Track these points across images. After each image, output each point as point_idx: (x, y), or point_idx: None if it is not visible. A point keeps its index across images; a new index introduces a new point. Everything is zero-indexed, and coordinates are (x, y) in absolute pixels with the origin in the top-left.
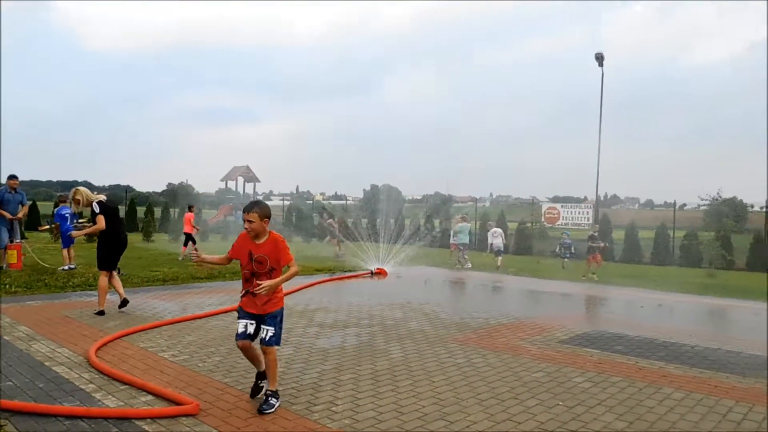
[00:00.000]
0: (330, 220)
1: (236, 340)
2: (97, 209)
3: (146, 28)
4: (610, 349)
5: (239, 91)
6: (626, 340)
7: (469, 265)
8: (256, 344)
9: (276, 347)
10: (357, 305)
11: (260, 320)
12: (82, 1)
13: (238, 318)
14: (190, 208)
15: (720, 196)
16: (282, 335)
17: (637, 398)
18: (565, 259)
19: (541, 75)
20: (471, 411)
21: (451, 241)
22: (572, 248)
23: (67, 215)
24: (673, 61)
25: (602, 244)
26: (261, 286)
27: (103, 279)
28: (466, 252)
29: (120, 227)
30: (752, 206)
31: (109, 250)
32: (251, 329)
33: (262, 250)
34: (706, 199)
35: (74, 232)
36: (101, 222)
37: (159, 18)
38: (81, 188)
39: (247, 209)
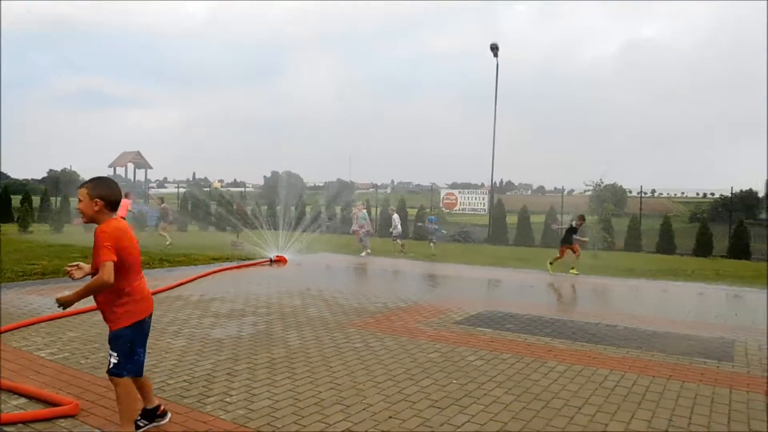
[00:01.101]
0: (164, 205)
1: None
2: None
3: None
4: (501, 328)
5: (130, 74)
6: (516, 319)
7: (369, 251)
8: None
9: (120, 379)
10: (255, 294)
11: None
12: None
13: None
14: (126, 195)
15: (602, 182)
16: (129, 362)
17: (524, 373)
18: (432, 243)
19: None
20: (368, 394)
21: (353, 228)
22: (439, 231)
23: None
24: (563, 57)
25: (585, 239)
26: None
27: None
28: (367, 239)
29: None
30: (630, 191)
31: None
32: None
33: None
34: (590, 185)
35: None
36: None
37: None
38: None
39: (79, 186)
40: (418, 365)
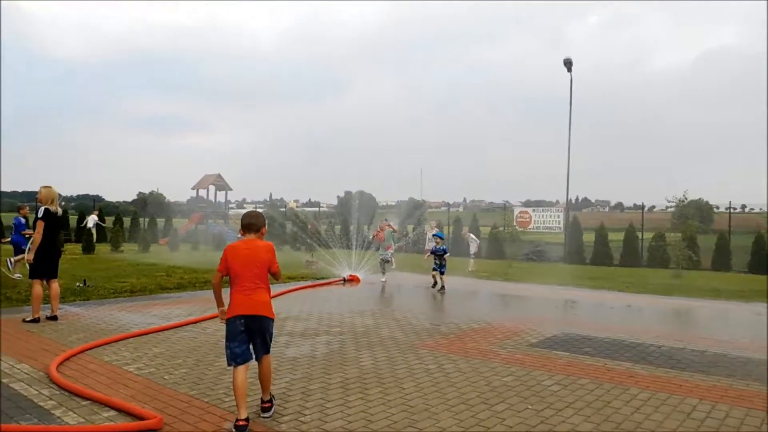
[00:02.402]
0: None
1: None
2: (39, 214)
3: (107, 34)
4: (579, 351)
5: (206, 97)
6: (595, 342)
7: (384, 280)
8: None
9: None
10: (328, 313)
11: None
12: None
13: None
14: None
15: (686, 198)
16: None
17: (604, 400)
18: (436, 265)
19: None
20: (441, 417)
21: (426, 247)
22: (440, 250)
23: (18, 224)
24: (632, 69)
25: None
26: None
27: (35, 287)
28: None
29: (56, 237)
30: (717, 207)
31: (41, 259)
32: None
33: None
34: (673, 201)
35: (27, 256)
36: (39, 228)
37: (118, 22)
38: (47, 188)
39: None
40: (492, 389)
